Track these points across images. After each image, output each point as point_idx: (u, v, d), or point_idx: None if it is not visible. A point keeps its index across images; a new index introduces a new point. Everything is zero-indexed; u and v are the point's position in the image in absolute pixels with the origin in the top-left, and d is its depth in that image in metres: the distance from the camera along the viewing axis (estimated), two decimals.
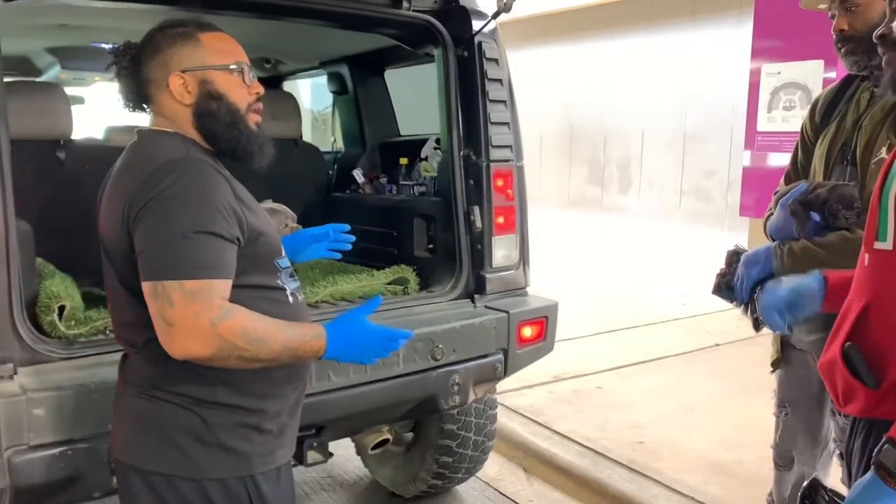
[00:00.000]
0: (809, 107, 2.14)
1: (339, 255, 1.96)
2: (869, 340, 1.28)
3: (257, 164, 1.56)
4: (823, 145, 2.00)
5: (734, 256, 2.07)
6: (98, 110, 5.08)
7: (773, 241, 1.98)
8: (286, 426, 1.57)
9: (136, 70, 1.52)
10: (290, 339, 1.41)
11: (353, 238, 1.95)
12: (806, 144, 2.11)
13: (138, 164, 1.44)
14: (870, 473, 1.17)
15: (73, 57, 3.81)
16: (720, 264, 2.12)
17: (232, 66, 1.53)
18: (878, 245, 1.29)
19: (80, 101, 4.93)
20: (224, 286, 1.36)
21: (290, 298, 1.56)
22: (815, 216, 1.86)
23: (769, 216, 2.04)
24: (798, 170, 2.12)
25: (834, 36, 1.92)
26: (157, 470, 1.46)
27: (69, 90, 3.50)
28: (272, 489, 1.53)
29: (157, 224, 1.35)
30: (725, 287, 2.06)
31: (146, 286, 1.35)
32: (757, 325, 2.00)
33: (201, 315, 1.30)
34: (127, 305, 1.47)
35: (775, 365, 2.18)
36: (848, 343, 1.29)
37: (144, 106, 1.56)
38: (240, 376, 1.46)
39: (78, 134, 3.02)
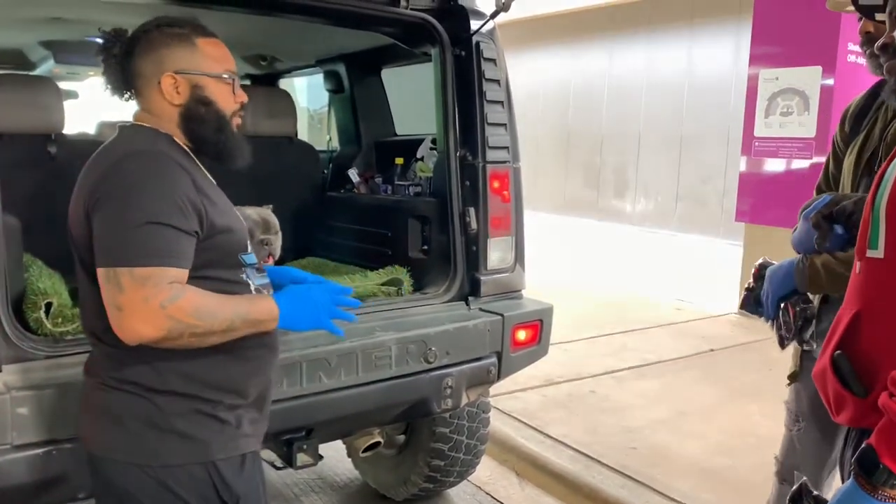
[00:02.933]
0: (841, 116, 2.08)
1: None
2: (859, 349, 1.27)
3: (238, 164, 1.62)
4: (852, 156, 1.94)
5: (761, 270, 2.00)
6: (92, 105, 5.06)
7: (798, 254, 1.94)
8: (246, 418, 1.57)
9: (126, 60, 1.54)
10: (238, 305, 1.44)
11: None
12: (837, 155, 2.04)
13: (103, 157, 1.48)
14: (850, 480, 1.16)
15: (67, 51, 3.78)
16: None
17: (224, 76, 1.58)
18: (869, 253, 1.28)
19: (73, 95, 4.91)
20: (177, 274, 1.38)
21: (255, 294, 1.56)
22: (839, 229, 1.81)
23: (796, 229, 1.99)
24: (829, 181, 2.06)
25: (860, 38, 1.88)
26: (119, 458, 1.48)
27: (63, 85, 3.47)
28: (235, 475, 1.53)
29: (113, 213, 1.38)
30: (754, 301, 2.00)
31: (100, 272, 1.38)
32: (782, 342, 1.95)
33: (150, 299, 1.33)
34: (89, 294, 1.49)
35: (792, 378, 2.13)
36: (838, 352, 1.29)
37: (127, 94, 1.58)
38: (192, 366, 1.47)
39: (71, 129, 2.99)
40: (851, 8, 1.92)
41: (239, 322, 1.43)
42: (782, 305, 1.92)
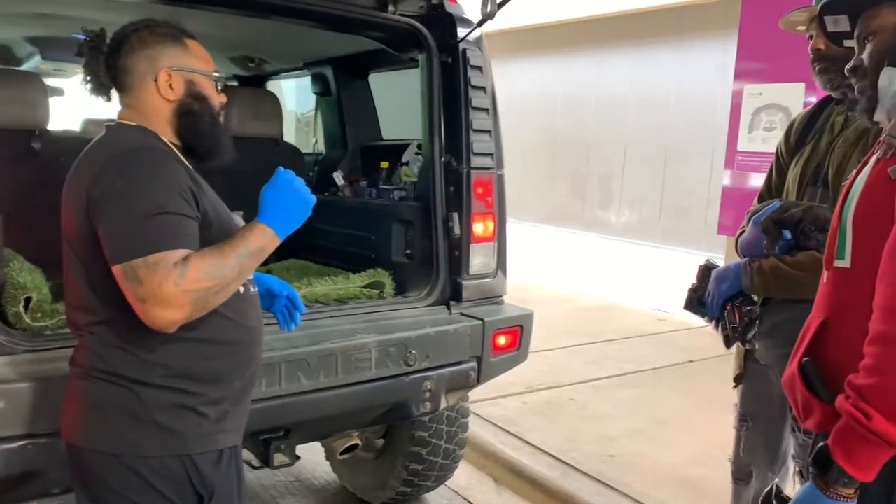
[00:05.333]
0: (785, 128, 2.16)
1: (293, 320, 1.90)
2: (826, 356, 1.31)
3: (224, 161, 1.65)
4: (797, 167, 2.02)
5: (706, 271, 2.08)
6: (78, 102, 5.03)
7: (744, 257, 2.00)
8: (228, 413, 1.58)
9: (114, 58, 1.56)
10: (236, 246, 1.44)
11: (300, 321, 1.90)
12: (780, 165, 2.13)
13: (97, 154, 1.50)
14: (808, 482, 1.20)
15: (54, 48, 3.77)
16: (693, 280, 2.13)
17: (215, 74, 1.65)
18: (837, 263, 1.32)
19: (59, 92, 4.88)
20: (185, 254, 1.39)
21: (241, 288, 1.58)
22: (787, 234, 1.88)
23: (741, 233, 2.05)
24: (772, 190, 2.14)
25: (810, 55, 1.95)
26: (97, 447, 1.49)
27: (49, 81, 3.46)
28: (212, 470, 1.54)
29: (119, 210, 1.40)
30: (697, 302, 2.08)
31: (117, 270, 1.39)
32: (728, 342, 2.02)
33: (164, 282, 1.34)
34: (78, 288, 1.52)
35: (738, 380, 2.20)
36: (806, 358, 1.32)
37: (109, 92, 1.61)
38: (176, 359, 1.49)
39: (56, 125, 2.98)
40: (802, 28, 2.00)
41: (246, 259, 1.44)
42: (728, 307, 1.97)
